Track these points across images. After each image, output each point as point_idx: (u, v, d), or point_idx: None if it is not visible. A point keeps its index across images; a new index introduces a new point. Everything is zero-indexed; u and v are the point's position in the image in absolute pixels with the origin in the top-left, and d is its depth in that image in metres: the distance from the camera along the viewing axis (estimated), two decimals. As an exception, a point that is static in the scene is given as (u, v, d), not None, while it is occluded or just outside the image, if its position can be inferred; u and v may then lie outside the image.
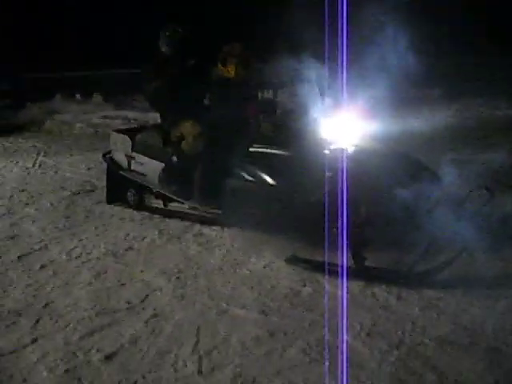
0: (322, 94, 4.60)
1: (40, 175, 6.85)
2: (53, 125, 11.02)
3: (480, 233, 3.85)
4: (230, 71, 4.74)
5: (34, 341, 3.10)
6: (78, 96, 13.57)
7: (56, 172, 6.88)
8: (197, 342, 3.04)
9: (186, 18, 5.41)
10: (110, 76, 13.87)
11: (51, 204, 5.59)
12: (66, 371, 2.80)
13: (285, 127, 4.52)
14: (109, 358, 2.91)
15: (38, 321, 3.32)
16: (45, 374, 2.79)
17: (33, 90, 12.63)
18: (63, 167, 7.13)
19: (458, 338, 3.00)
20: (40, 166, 7.39)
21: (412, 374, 2.72)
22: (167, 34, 4.91)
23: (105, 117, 11.92)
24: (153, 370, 2.80)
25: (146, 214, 5.21)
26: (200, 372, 2.78)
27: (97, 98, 13.30)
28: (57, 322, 3.30)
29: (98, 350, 2.98)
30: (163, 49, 4.94)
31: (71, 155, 7.89)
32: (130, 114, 12.18)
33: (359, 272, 3.75)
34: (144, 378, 2.74)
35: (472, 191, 4.46)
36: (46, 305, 3.52)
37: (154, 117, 11.35)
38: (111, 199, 5.47)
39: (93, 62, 13.41)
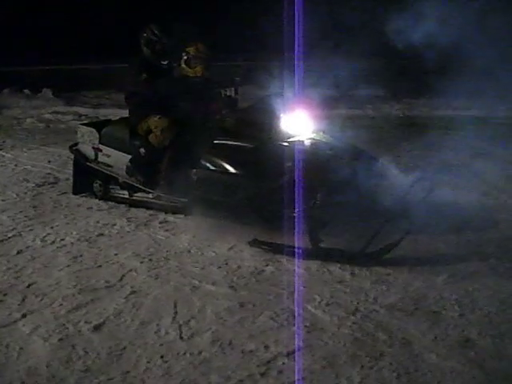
0: (280, 92, 4.97)
1: (1, 168, 6.95)
2: (2, 120, 11.01)
3: (422, 218, 4.33)
4: (197, 71, 5.04)
5: (24, 316, 3.36)
6: (26, 91, 13.49)
7: (16, 165, 6.98)
8: (175, 314, 3.37)
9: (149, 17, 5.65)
10: (59, 71, 13.83)
11: (17, 195, 5.74)
12: (60, 340, 3.09)
13: (246, 121, 4.87)
14: (97, 328, 3.21)
15: (24, 299, 3.57)
16: (40, 342, 3.07)
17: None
18: (23, 161, 7.23)
19: (404, 306, 3.46)
20: (-1, 159, 7.48)
21: (366, 334, 3.14)
22: (144, 35, 5.18)
23: (55, 112, 11.96)
24: (139, 337, 3.13)
25: (112, 203, 5.46)
26: (181, 338, 3.12)
27: (46, 93, 13.25)
28: (42, 299, 3.57)
29: (86, 322, 3.27)
30: (142, 48, 5.21)
31: (29, 149, 7.97)
32: (81, 110, 12.26)
33: (316, 252, 4.16)
34: (132, 344, 3.06)
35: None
36: (30, 285, 3.76)
37: (105, 113, 11.58)
38: (77, 190, 5.66)
39: (41, 57, 13.36)
